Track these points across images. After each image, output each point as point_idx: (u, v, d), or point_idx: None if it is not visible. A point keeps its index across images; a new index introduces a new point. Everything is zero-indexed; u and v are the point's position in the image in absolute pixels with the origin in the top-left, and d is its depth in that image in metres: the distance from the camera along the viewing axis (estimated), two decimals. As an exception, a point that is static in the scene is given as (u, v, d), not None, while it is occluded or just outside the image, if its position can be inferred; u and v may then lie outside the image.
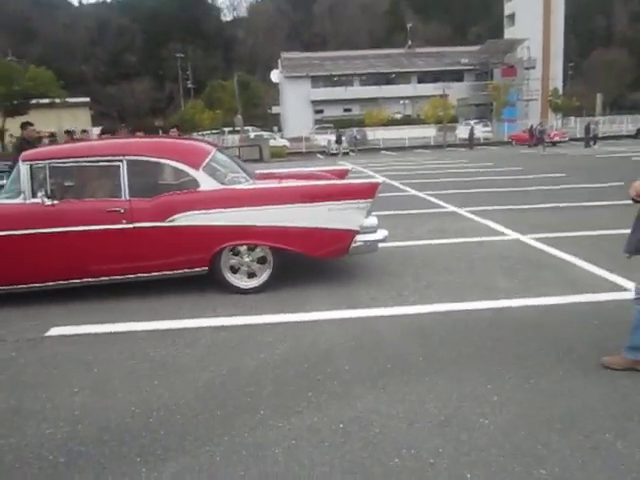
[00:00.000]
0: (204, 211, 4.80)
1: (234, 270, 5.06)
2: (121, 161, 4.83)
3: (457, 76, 58.53)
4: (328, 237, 5.04)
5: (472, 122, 42.61)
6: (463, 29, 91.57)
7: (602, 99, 67.96)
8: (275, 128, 58.13)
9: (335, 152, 33.66)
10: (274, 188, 5.27)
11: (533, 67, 53.06)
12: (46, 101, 29.35)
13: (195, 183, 4.90)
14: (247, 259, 5.02)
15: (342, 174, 6.89)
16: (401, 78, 59.30)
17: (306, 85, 58.06)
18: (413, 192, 12.50)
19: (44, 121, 39.05)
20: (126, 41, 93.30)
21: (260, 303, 4.80)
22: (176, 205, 4.80)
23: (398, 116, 54.26)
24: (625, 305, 3.92)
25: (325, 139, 36.77)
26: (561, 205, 9.60)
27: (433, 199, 11.04)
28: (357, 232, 5.03)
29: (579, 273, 5.19)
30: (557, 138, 33.66)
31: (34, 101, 28.92)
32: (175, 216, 4.78)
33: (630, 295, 3.44)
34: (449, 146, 36.10)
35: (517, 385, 3.12)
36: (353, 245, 5.04)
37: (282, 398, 3.06)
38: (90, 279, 4.91)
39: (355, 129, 39.79)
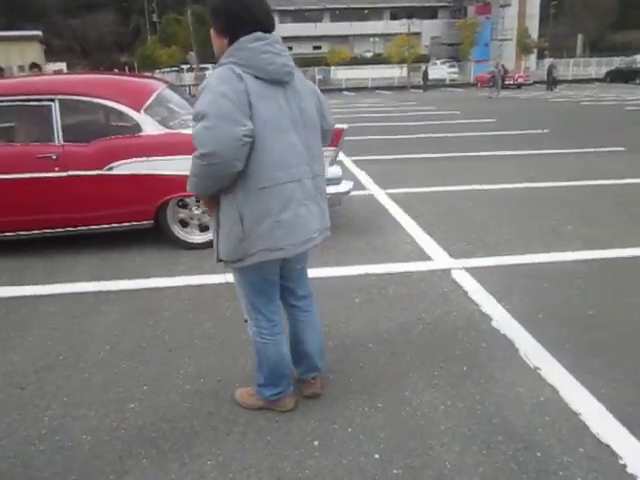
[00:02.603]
0: (145, 158, 4.30)
1: (184, 224, 4.65)
2: (52, 100, 4.30)
3: (431, 13, 56.21)
4: None
5: (433, 63, 41.36)
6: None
7: (583, 40, 66.21)
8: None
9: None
10: None
11: (509, 5, 50.87)
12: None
13: (136, 127, 4.36)
14: (197, 211, 4.61)
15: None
16: (373, 14, 56.75)
17: (274, 20, 55.37)
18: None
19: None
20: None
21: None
22: (115, 151, 4.30)
23: (369, 54, 52.34)
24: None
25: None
26: (450, 155, 9.07)
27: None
28: None
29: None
30: (521, 80, 32.76)
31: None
32: (114, 164, 4.28)
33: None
34: (413, 87, 34.99)
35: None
36: None
37: None
38: (22, 232, 4.49)
39: (317, 68, 38.29)
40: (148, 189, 4.40)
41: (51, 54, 69.34)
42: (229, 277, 3.63)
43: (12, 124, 4.78)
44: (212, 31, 2.07)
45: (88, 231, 4.53)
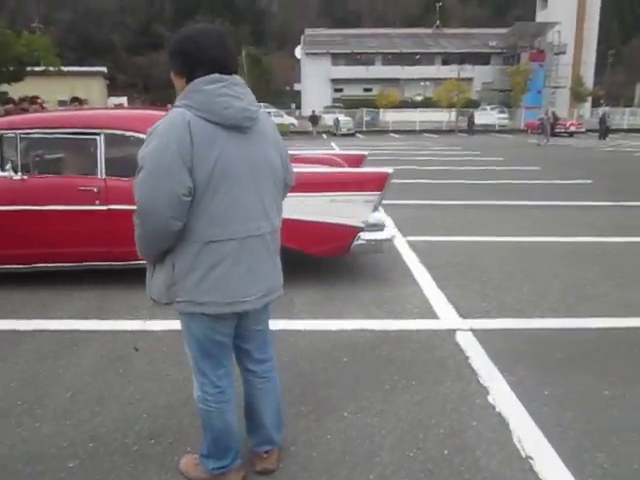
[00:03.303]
0: None
1: None
2: (98, 134, 4.30)
3: (484, 59, 56.14)
4: (327, 233, 4.45)
5: (483, 108, 41.17)
6: (503, 11, 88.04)
7: (642, 89, 64.54)
8: (293, 105, 57.14)
9: (340, 133, 32.83)
10: None
11: (563, 52, 50.41)
12: (52, 69, 28.83)
13: None
14: None
15: (358, 160, 6.21)
16: (425, 59, 57.21)
17: (326, 62, 56.61)
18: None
19: (50, 90, 39.16)
20: (156, 10, 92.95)
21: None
22: None
23: (419, 98, 52.56)
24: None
25: (332, 119, 35.71)
26: (483, 203, 8.70)
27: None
28: (361, 229, 4.41)
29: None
30: (573, 128, 31.95)
31: (39, 68, 28.59)
32: None
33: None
34: (461, 132, 34.69)
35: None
36: (355, 243, 4.42)
37: None
38: (59, 264, 4.45)
39: (365, 110, 38.64)
40: None
41: (115, 89, 73.24)
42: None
43: (59, 156, 4.79)
44: (172, 72, 1.93)
45: (126, 266, 4.40)
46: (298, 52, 61.10)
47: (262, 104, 44.15)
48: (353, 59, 57.20)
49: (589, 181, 11.45)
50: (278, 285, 2.08)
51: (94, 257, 4.41)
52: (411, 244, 5.99)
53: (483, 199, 8.94)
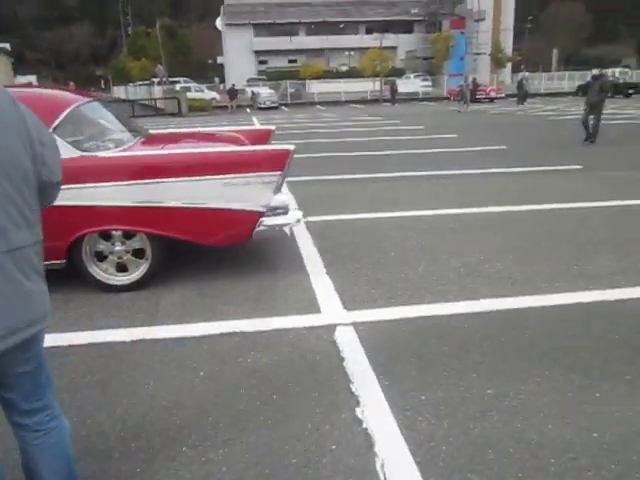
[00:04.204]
0: None
1: (101, 258, 3.91)
2: None
3: (407, 27, 56.03)
4: (223, 220, 3.92)
5: (407, 76, 41.35)
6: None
7: (558, 54, 66.81)
8: (216, 79, 55.21)
9: (263, 106, 32.08)
10: (150, 156, 4.03)
11: (483, 19, 51.02)
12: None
13: None
14: (119, 247, 3.87)
15: (263, 136, 5.58)
16: (350, 29, 56.45)
17: (249, 34, 54.78)
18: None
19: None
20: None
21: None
22: None
23: (344, 68, 52.02)
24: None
25: (255, 92, 34.73)
26: (395, 175, 8.40)
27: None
28: (262, 213, 3.90)
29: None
30: (493, 94, 32.51)
31: None
32: None
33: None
34: (386, 101, 34.54)
35: None
36: (257, 230, 3.91)
37: None
38: None
39: (289, 82, 37.81)
40: (57, 223, 3.62)
41: (24, 67, 68.39)
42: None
43: None
44: None
45: None
46: (219, 23, 58.83)
47: (182, 79, 42.44)
48: (276, 30, 55.58)
49: (504, 147, 11.42)
50: (35, 317, 1.56)
51: None
52: (309, 225, 5.56)
53: (395, 171, 8.62)
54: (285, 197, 4.09)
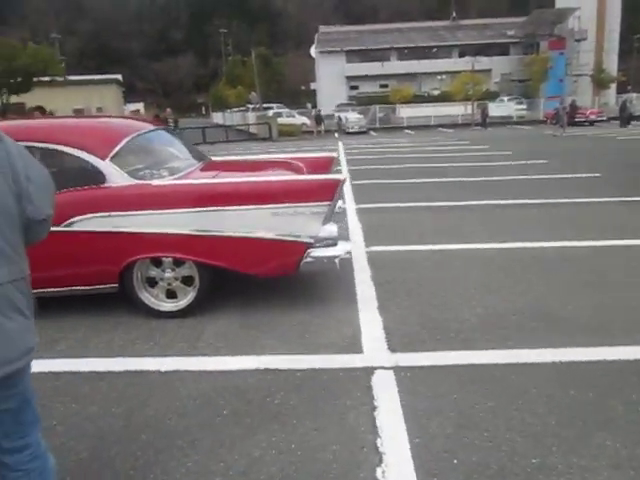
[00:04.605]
0: (108, 213, 3.72)
1: (152, 284, 3.97)
2: None
3: (502, 50, 54.50)
4: (269, 250, 3.85)
5: (500, 100, 40.14)
6: (521, 0, 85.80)
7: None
8: (309, 105, 56.62)
9: (351, 131, 32.38)
10: (198, 184, 4.04)
11: (584, 39, 48.52)
12: (58, 78, 29.04)
13: (101, 177, 3.78)
14: (169, 274, 3.91)
15: (324, 163, 5.49)
16: (442, 52, 55.91)
17: (341, 60, 55.76)
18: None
19: (65, 99, 39.49)
20: (172, 17, 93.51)
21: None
22: (75, 205, 3.73)
23: (436, 92, 51.42)
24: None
25: (343, 117, 35.14)
26: (471, 203, 7.98)
27: (347, 193, 9.56)
28: (309, 245, 3.81)
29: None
30: (593, 117, 30.62)
31: (45, 78, 28.74)
32: (74, 219, 3.72)
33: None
34: (478, 125, 33.63)
35: None
36: (304, 260, 3.82)
37: None
38: None
39: (378, 107, 37.91)
40: (111, 248, 3.79)
41: (134, 95, 74.07)
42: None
43: None
44: None
45: (45, 294, 3.91)
46: (313, 51, 60.52)
47: (275, 105, 43.90)
48: (368, 55, 56.20)
49: (597, 174, 10.60)
50: (14, 356, 1.52)
51: None
52: (371, 255, 5.37)
53: (471, 199, 8.22)
54: (334, 228, 3.94)
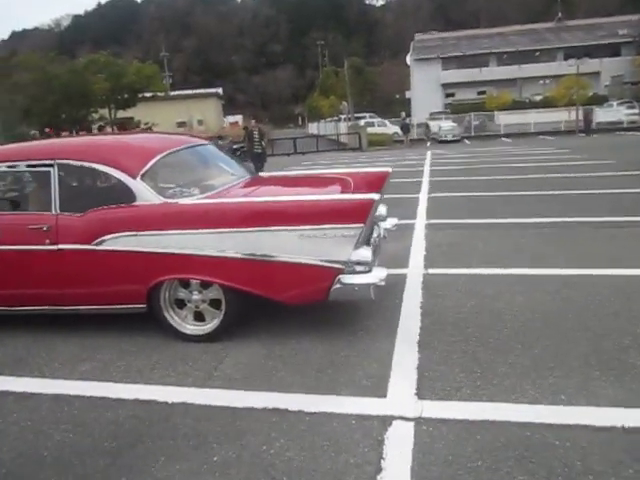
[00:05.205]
0: (135, 232, 3.68)
1: (181, 306, 3.87)
2: (52, 166, 3.91)
3: (613, 50, 50.59)
4: (296, 275, 3.57)
5: (609, 104, 37.20)
6: (636, -3, 79.57)
7: None
8: (403, 114, 55.95)
9: (444, 139, 31.49)
10: (220, 204, 3.86)
11: None
12: (160, 94, 30.88)
13: (130, 195, 3.75)
14: (197, 296, 3.79)
15: (376, 179, 4.96)
16: (545, 56, 52.90)
17: (436, 67, 54.50)
18: (412, 195, 10.50)
19: (168, 113, 41.85)
20: (272, 31, 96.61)
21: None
22: (105, 224, 3.75)
23: (537, 98, 48.72)
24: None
25: (436, 125, 34.24)
26: (553, 220, 7.19)
27: (420, 207, 9.05)
28: (340, 270, 3.52)
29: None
30: None
31: (149, 94, 30.65)
32: (104, 237, 3.72)
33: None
34: (582, 132, 31.35)
35: None
36: (334, 287, 3.54)
37: None
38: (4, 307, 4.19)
39: (473, 114, 36.54)
40: (138, 268, 3.73)
41: (234, 107, 77.23)
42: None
43: (16, 191, 4.49)
44: None
45: (74, 312, 4.00)
46: (409, 59, 59.81)
47: (367, 114, 43.72)
48: (465, 62, 54.49)
49: None
50: None
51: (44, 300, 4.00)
52: (426, 278, 4.93)
53: (552, 216, 7.41)
54: (368, 252, 3.57)
